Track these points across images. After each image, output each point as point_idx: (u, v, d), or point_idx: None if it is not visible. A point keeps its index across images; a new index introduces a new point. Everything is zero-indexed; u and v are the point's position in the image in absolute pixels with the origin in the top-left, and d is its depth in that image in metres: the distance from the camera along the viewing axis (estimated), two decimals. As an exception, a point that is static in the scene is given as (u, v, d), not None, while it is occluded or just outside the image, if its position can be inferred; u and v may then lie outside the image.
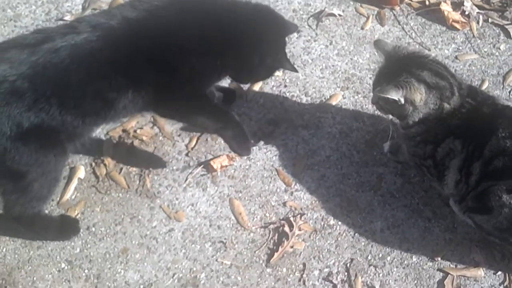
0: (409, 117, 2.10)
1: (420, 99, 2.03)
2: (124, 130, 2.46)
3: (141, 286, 2.15)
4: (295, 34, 2.74)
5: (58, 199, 2.30)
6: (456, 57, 2.75)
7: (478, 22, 2.88)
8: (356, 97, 2.61)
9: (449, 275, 2.21)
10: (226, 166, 2.40)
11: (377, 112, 2.53)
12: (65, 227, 2.24)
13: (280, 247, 2.23)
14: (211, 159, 2.40)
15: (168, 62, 1.99)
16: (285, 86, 2.61)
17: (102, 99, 1.93)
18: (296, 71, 2.31)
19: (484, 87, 2.65)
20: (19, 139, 1.83)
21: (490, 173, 2.03)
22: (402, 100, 2.03)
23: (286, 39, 2.29)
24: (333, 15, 2.83)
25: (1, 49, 1.86)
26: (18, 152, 1.85)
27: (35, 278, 2.14)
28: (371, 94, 2.57)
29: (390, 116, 2.22)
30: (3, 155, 1.84)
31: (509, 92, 2.66)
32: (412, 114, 2.08)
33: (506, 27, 2.86)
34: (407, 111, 2.07)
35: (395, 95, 2.01)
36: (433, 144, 2.14)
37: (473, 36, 2.83)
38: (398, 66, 2.09)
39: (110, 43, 1.90)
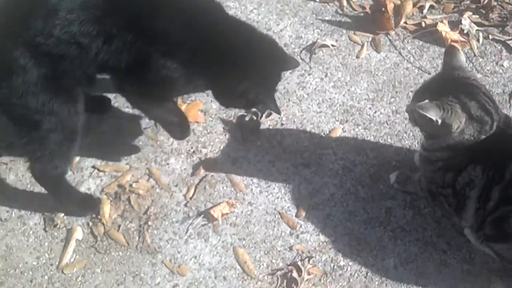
0: (437, 139, 2.16)
1: (457, 127, 2.08)
2: (119, 185, 2.57)
3: None
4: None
5: (57, 263, 2.40)
6: (458, 78, 2.86)
7: (478, 40, 2.99)
8: (356, 129, 2.71)
9: (470, 307, 2.30)
10: (227, 213, 2.50)
11: (380, 144, 2.65)
12: (85, 203, 2.50)
13: (290, 294, 2.33)
14: (211, 208, 2.50)
15: (154, 41, 2.13)
16: (282, 124, 2.72)
17: (78, 43, 2.06)
18: (279, 113, 2.40)
19: (490, 107, 2.75)
20: (28, 83, 2.03)
21: (510, 197, 2.08)
22: (439, 122, 2.06)
23: (282, 74, 2.40)
24: (326, 46, 2.95)
25: None
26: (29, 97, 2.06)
27: None
28: (372, 125, 2.70)
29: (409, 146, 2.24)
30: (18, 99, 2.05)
31: (517, 110, 2.76)
32: (443, 138, 2.14)
33: (508, 42, 2.98)
34: (439, 133, 2.13)
35: (434, 115, 2.04)
36: (454, 172, 2.18)
37: (474, 55, 2.95)
38: (449, 86, 2.12)
39: None
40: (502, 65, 2.92)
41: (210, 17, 2.20)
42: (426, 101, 2.07)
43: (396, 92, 2.82)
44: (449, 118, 2.06)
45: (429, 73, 2.86)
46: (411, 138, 2.67)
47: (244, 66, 2.21)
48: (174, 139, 2.65)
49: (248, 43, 2.22)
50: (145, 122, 2.69)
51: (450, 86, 2.13)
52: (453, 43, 2.92)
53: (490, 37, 3.01)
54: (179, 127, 2.56)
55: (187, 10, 2.16)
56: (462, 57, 2.20)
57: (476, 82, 2.18)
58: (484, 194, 2.13)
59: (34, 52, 2.01)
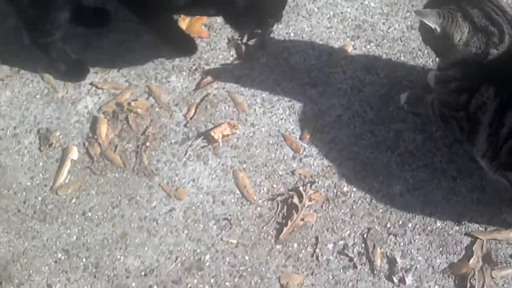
0: (446, 54, 2.01)
1: (460, 38, 1.92)
2: (118, 104, 2.45)
3: (142, 273, 2.17)
4: (298, -19, 2.66)
5: (51, 184, 2.33)
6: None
7: None
8: (368, 46, 2.52)
9: (478, 239, 2.17)
10: (228, 135, 2.38)
11: (392, 62, 2.48)
12: (76, 69, 2.52)
13: (289, 221, 2.21)
14: (212, 129, 2.38)
15: None
16: (290, 40, 2.54)
17: None
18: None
19: None
20: None
21: None
22: (439, 30, 1.91)
23: None
24: (339, -46, 2.72)
25: None
26: None
27: (31, 271, 2.19)
28: (385, 41, 2.51)
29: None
30: None
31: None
32: (449, 52, 1.98)
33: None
34: (444, 46, 1.97)
35: (433, 23, 1.90)
36: (468, 94, 2.02)
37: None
38: None
39: None
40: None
41: None
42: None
43: (413, 5, 2.59)
44: (449, 27, 1.91)
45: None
46: (425, 56, 2.47)
47: None
48: (177, 57, 2.53)
49: None
50: (147, 37, 2.53)
51: None
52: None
53: None
54: (185, 44, 2.52)
55: None
56: None
57: None
58: (497, 119, 1.96)
59: None
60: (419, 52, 2.48)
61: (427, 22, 1.91)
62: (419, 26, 2.09)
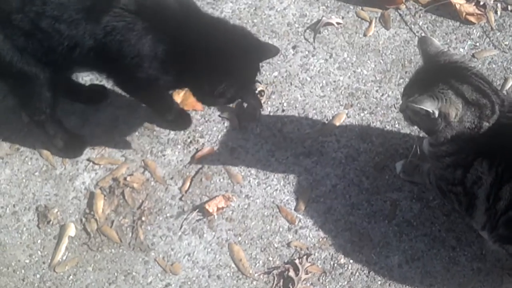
0: (439, 133, 1.83)
1: (455, 115, 1.77)
2: (114, 179, 2.29)
3: None
4: (291, 51, 2.50)
5: (49, 261, 2.16)
6: (473, 55, 2.45)
7: (496, 12, 2.56)
8: (362, 114, 2.35)
9: (480, 311, 1.97)
10: (223, 207, 2.21)
11: (387, 129, 2.30)
12: (73, 145, 2.36)
13: (286, 296, 2.03)
14: (207, 202, 2.21)
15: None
16: (283, 110, 2.38)
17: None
18: (260, 106, 2.24)
19: (507, 86, 2.36)
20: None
21: None
22: (436, 113, 1.75)
23: (260, 64, 2.07)
24: (331, 24, 2.55)
25: None
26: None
27: None
28: (378, 109, 2.34)
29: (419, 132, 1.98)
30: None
31: (537, 90, 2.35)
32: (443, 130, 1.81)
33: (529, 13, 2.54)
34: (438, 126, 1.80)
35: (430, 107, 1.73)
36: (463, 168, 1.86)
37: (491, 28, 2.52)
38: (436, 75, 1.82)
39: None
40: (522, 39, 2.50)
41: (182, 18, 1.95)
42: (416, 94, 1.77)
43: (406, 72, 2.43)
44: (445, 106, 1.76)
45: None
46: (420, 123, 2.30)
47: (219, 68, 1.94)
48: (172, 130, 2.38)
49: (220, 42, 1.95)
50: (142, 111, 2.39)
51: (438, 73, 1.82)
52: (468, 16, 2.52)
53: (509, 8, 2.57)
54: (177, 119, 2.39)
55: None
56: (437, 42, 1.89)
57: (464, 64, 1.86)
58: (493, 193, 1.80)
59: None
60: (413, 119, 2.30)
61: (424, 108, 1.73)
62: (401, 108, 1.92)
